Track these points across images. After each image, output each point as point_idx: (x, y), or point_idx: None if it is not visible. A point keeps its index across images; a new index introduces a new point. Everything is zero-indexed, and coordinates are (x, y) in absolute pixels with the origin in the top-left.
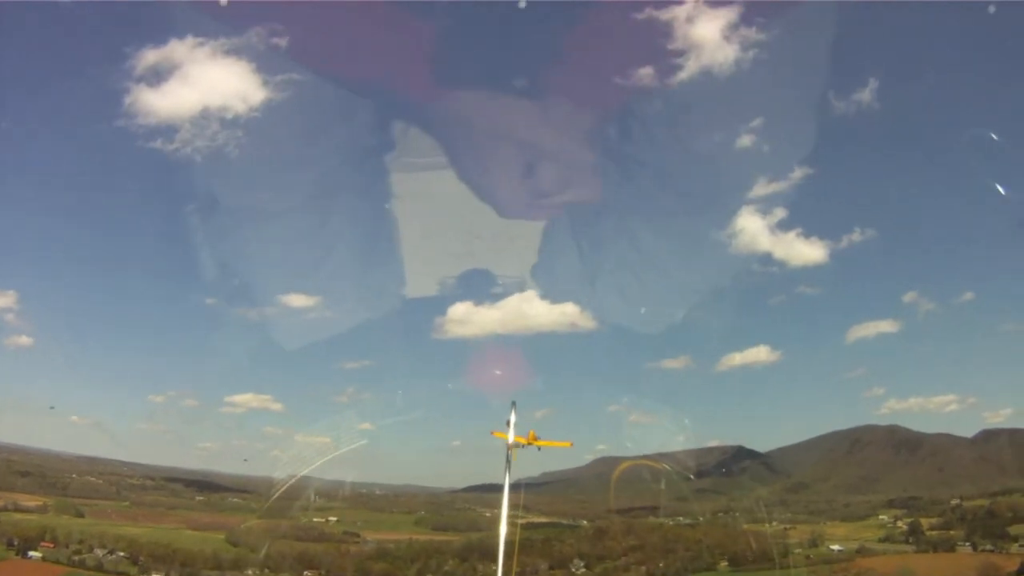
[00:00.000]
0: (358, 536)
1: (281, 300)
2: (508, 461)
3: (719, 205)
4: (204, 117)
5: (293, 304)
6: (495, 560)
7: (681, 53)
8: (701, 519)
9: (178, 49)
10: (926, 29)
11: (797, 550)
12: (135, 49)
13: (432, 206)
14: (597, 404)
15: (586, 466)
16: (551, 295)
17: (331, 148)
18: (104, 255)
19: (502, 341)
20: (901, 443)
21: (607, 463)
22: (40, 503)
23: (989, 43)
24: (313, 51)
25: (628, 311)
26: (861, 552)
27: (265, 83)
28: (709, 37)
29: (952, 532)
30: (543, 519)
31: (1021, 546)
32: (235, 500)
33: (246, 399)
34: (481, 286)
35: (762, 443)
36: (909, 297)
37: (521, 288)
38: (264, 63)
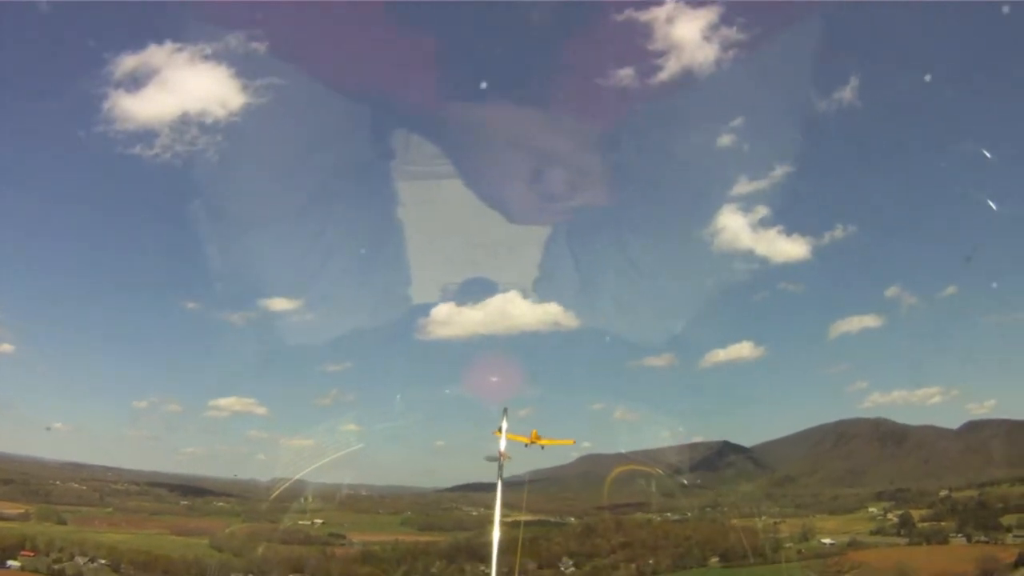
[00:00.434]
0: (344, 538)
1: (262, 304)
2: (500, 468)
3: (701, 203)
4: (184, 122)
5: (275, 308)
6: (483, 560)
7: (661, 54)
8: (689, 514)
9: (157, 54)
10: (907, 28)
11: (788, 544)
12: (113, 55)
13: (428, 212)
14: (581, 402)
15: (571, 464)
16: (533, 295)
17: (310, 151)
18: (85, 261)
19: (485, 341)
20: (887, 436)
21: (592, 461)
22: (22, 511)
23: (970, 42)
24: (294, 53)
25: (611, 309)
26: (853, 545)
27: (245, 87)
28: (689, 37)
29: (943, 524)
30: (530, 517)
31: (1015, 536)
32: (220, 504)
33: (230, 403)
34: (464, 287)
35: (747, 438)
36: (892, 292)
37: (504, 288)
38: (244, 66)
